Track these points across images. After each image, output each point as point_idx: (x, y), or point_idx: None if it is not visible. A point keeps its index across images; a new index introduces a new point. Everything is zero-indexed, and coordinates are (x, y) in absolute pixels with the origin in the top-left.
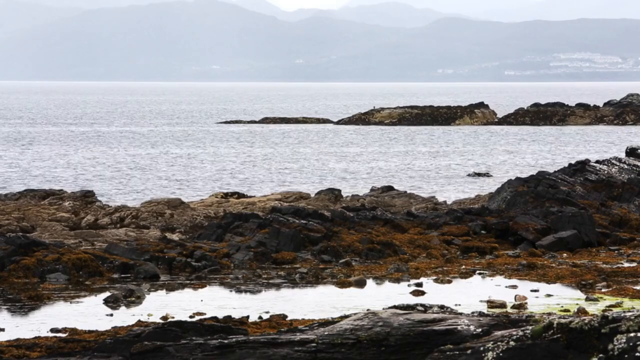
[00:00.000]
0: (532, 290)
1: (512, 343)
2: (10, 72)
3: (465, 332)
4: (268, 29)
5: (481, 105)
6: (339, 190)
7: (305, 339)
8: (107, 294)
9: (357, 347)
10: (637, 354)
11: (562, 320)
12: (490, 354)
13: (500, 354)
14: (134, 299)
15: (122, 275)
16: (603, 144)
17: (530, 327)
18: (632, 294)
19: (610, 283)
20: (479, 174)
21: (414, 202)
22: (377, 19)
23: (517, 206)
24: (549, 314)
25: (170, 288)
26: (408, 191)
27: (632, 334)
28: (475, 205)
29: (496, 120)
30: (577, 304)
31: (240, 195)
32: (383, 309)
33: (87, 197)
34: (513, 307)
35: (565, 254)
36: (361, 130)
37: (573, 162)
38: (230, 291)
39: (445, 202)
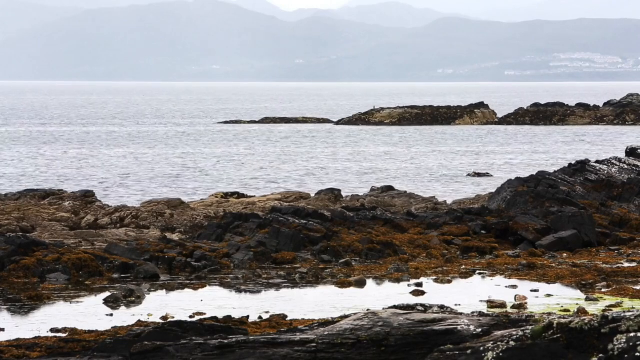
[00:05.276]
0: (532, 290)
1: (512, 343)
2: (10, 72)
3: (465, 332)
4: (268, 29)
5: (481, 105)
6: (339, 190)
7: (305, 339)
8: (107, 294)
9: (357, 347)
10: (637, 354)
11: (562, 320)
12: (490, 354)
13: (500, 354)
14: (134, 299)
15: (122, 275)
16: (603, 144)
17: (530, 327)
18: (632, 294)
19: (610, 283)
20: (479, 174)
21: (414, 202)
22: (377, 19)
23: (517, 206)
24: (549, 314)
25: (170, 288)
26: (408, 191)
27: (632, 334)
28: (475, 205)
29: (496, 120)
30: (577, 304)
31: (240, 195)
32: (383, 309)
33: (87, 197)
34: (513, 307)
35: (565, 254)
36: (361, 130)
37: (573, 162)
38: (230, 291)
39: (445, 202)
